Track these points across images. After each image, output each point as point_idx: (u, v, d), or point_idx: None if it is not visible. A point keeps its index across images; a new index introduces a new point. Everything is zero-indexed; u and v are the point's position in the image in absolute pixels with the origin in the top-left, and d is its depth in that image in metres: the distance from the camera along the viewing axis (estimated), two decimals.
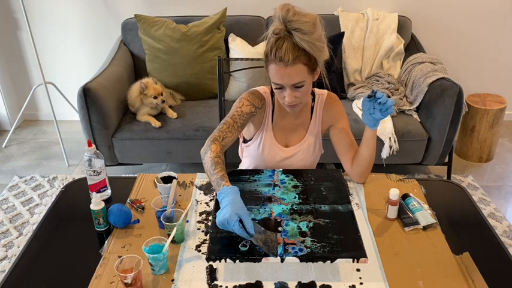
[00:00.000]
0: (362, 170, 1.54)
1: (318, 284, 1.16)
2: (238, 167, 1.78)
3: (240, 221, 1.14)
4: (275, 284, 1.16)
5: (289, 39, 1.32)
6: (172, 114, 2.80)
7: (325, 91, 1.60)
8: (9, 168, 3.13)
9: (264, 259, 1.13)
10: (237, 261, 1.14)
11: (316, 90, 1.60)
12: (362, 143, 1.50)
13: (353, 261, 1.14)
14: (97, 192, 1.48)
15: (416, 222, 1.37)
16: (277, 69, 1.35)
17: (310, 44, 1.31)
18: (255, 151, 1.61)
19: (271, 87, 1.50)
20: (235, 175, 1.48)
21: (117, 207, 1.37)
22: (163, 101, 2.73)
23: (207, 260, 1.14)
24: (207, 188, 1.56)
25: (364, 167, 1.53)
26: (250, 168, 1.66)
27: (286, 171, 1.51)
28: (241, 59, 2.09)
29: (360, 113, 2.72)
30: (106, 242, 1.33)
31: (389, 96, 2.83)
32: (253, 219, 1.26)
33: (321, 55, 1.37)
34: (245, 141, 1.65)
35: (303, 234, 1.21)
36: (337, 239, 1.19)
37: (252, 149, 1.62)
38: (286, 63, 1.32)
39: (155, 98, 2.70)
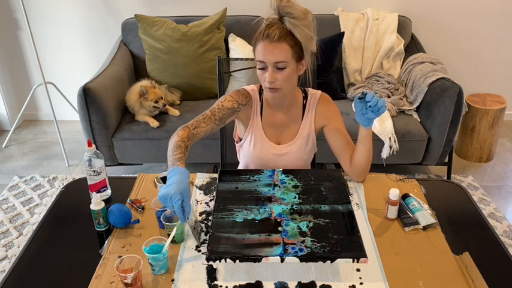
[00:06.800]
0: (361, 169, 1.54)
1: (318, 284, 1.16)
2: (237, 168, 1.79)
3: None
4: (275, 284, 1.16)
5: (279, 24, 1.38)
6: (174, 112, 2.81)
7: (318, 91, 1.62)
8: (9, 168, 3.13)
9: (264, 259, 1.13)
10: (237, 261, 1.14)
11: (310, 89, 1.62)
12: (358, 142, 1.50)
13: (353, 261, 1.14)
14: (97, 192, 1.48)
15: (416, 222, 1.37)
16: (262, 45, 1.40)
17: (298, 29, 1.36)
18: (248, 149, 1.62)
19: (260, 85, 1.55)
20: (235, 175, 1.48)
21: (117, 207, 1.37)
22: (164, 105, 2.75)
23: (207, 260, 1.14)
24: (207, 188, 1.57)
25: (362, 166, 1.53)
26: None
27: (286, 171, 1.51)
28: (241, 59, 2.09)
29: None
30: (106, 242, 1.33)
31: (389, 96, 2.83)
32: (252, 219, 1.26)
33: (308, 44, 1.41)
34: (240, 141, 1.66)
35: (303, 234, 1.21)
36: (337, 239, 1.19)
37: (245, 148, 1.63)
38: (272, 39, 1.37)
39: (156, 102, 2.71)
